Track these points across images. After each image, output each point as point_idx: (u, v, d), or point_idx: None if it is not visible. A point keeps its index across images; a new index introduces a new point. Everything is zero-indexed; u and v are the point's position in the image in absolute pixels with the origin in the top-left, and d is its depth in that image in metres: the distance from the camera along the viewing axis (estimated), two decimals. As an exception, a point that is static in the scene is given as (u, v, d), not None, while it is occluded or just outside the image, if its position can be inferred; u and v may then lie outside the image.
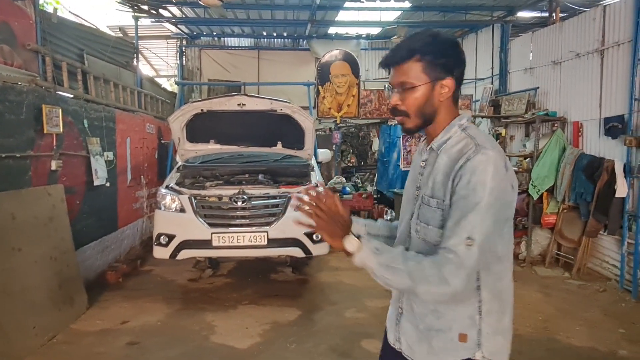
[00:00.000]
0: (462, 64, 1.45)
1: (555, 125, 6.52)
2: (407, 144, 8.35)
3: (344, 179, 9.47)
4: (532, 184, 6.19)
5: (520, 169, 6.89)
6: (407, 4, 8.71)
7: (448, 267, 1.27)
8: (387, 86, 1.50)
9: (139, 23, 9.37)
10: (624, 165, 5.17)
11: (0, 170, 3.85)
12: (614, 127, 5.36)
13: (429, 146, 1.47)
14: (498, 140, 7.83)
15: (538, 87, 7.23)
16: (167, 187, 5.13)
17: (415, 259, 1.32)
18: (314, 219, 1.40)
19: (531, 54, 7.66)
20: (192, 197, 4.88)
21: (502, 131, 7.88)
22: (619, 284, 5.24)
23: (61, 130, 4.63)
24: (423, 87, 1.40)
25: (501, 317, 1.43)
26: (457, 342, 1.40)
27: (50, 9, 7.03)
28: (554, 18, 7.60)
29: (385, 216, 8.10)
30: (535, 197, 6.19)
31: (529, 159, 6.65)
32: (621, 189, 5.14)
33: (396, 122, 1.52)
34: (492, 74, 9.14)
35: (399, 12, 9.42)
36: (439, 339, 1.42)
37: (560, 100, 6.66)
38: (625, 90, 5.23)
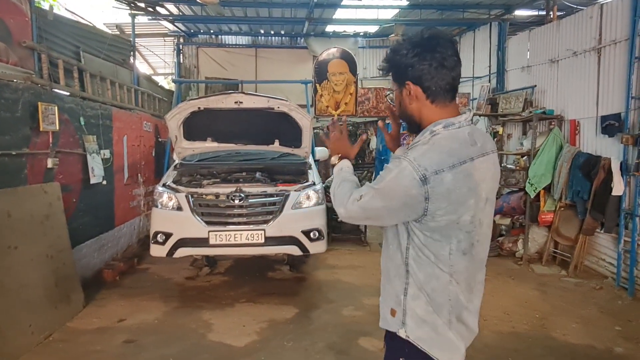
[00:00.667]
0: (413, 66, 1.50)
1: (553, 123, 6.53)
2: (404, 142, 8.34)
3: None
4: (529, 182, 6.20)
5: (518, 167, 6.90)
6: (404, 2, 8.71)
7: (351, 200, 1.59)
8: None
9: (136, 21, 9.33)
10: (621, 163, 5.18)
11: (-5, 168, 3.83)
12: (610, 125, 5.37)
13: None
14: (495, 139, 7.83)
15: (535, 86, 7.24)
16: (164, 185, 5.12)
17: (345, 186, 1.67)
18: (331, 135, 1.88)
19: (528, 52, 7.66)
20: (189, 195, 4.87)
21: (500, 129, 7.89)
22: (616, 281, 5.26)
23: (57, 128, 4.61)
24: (396, 92, 1.61)
25: (431, 313, 1.52)
26: (389, 314, 1.60)
27: (46, 6, 6.99)
28: (551, 16, 7.61)
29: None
30: (532, 195, 6.20)
31: (526, 157, 6.66)
32: (618, 187, 5.15)
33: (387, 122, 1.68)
34: (490, 72, 9.15)
35: (397, 10, 9.42)
36: (383, 309, 1.65)
37: (558, 99, 6.66)
38: (622, 89, 5.24)
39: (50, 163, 4.55)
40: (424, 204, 1.42)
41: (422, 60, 1.49)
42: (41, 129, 4.37)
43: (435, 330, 1.52)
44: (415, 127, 1.58)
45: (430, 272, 1.50)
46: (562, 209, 6.01)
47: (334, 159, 1.86)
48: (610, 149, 5.47)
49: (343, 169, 1.78)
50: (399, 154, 1.62)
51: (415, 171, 1.41)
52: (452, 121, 1.51)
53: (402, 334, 1.55)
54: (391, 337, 1.60)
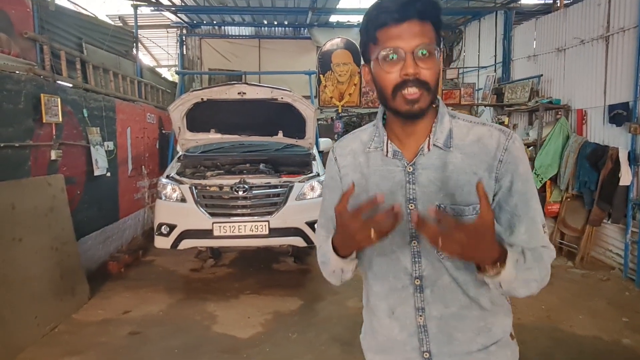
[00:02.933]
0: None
1: (559, 113, 6.46)
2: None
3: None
4: (535, 173, 6.15)
5: (524, 158, 6.84)
6: (409, -9, 8.59)
7: (549, 261, 1.18)
8: (390, 53, 1.08)
9: (138, 12, 9.28)
10: (629, 153, 5.12)
11: (-1, 160, 3.82)
12: (618, 114, 5.30)
13: (430, 145, 1.17)
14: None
15: (542, 75, 7.15)
16: (168, 177, 5.10)
17: (536, 257, 1.14)
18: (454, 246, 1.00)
19: (535, 41, 7.57)
20: (193, 187, 4.85)
21: (505, 120, 7.82)
22: (623, 272, 5.22)
23: (60, 119, 4.59)
24: (438, 58, 1.10)
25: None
26: (510, 342, 1.28)
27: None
28: (558, 4, 7.49)
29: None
30: (539, 185, 6.14)
31: (532, 147, 6.60)
32: (625, 177, 5.09)
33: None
34: (495, 61, 9.04)
35: (401, -1, 9.30)
36: (499, 351, 1.25)
37: (564, 88, 6.58)
38: (631, 77, 5.16)
39: (53, 155, 4.53)
40: None
41: None
42: (44, 121, 4.35)
43: None
44: (429, 107, 1.15)
45: None
46: (569, 199, 5.96)
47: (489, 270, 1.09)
48: (617, 139, 5.40)
49: (519, 261, 1.09)
50: (379, 163, 1.22)
51: None
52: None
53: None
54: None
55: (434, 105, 1.19)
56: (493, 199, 1.16)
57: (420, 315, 1.22)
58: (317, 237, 1.39)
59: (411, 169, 1.18)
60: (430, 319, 1.21)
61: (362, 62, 1.19)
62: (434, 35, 1.09)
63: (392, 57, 1.08)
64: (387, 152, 1.21)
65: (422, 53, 1.07)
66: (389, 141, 1.21)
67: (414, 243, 1.20)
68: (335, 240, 1.18)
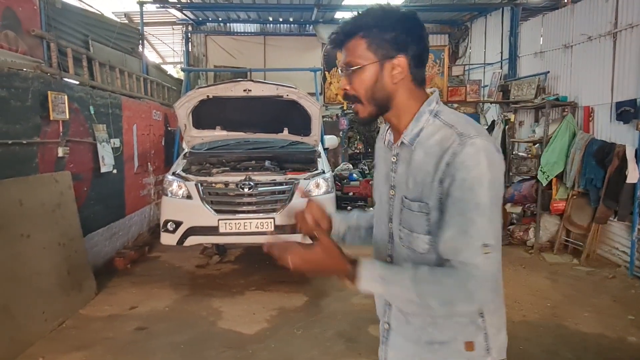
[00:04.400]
0: (418, 41, 1.22)
1: (566, 110, 6.42)
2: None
3: (351, 165, 9.44)
4: (541, 170, 6.12)
5: (530, 155, 6.82)
6: (415, -13, 8.57)
7: (472, 282, 1.11)
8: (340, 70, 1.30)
9: (144, 9, 9.30)
10: (636, 151, 5.08)
11: (7, 157, 3.85)
12: (625, 111, 5.26)
13: (400, 140, 1.27)
14: (507, 126, 7.74)
15: (548, 72, 7.11)
16: (173, 173, 5.13)
17: (431, 278, 1.14)
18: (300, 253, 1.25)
19: (541, 37, 7.52)
20: (199, 184, 4.87)
21: (511, 117, 7.79)
22: (629, 270, 5.20)
23: (67, 116, 4.62)
24: (370, 67, 1.20)
25: (501, 310, 1.32)
26: (463, 352, 1.26)
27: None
28: (565, 1, 7.44)
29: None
30: (544, 183, 6.12)
31: (538, 144, 6.57)
32: (632, 174, 5.07)
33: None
34: (502, 58, 9.00)
35: (407, -4, 9.28)
36: (443, 352, 1.28)
37: (571, 85, 6.54)
38: (638, 74, 5.12)
39: (60, 152, 4.57)
40: (503, 181, 1.21)
41: (420, 34, 1.24)
42: (51, 118, 4.38)
43: (505, 328, 1.34)
44: (378, 115, 1.28)
45: (497, 265, 1.17)
46: (575, 197, 5.93)
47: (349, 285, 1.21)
48: (625, 136, 5.36)
49: (383, 281, 1.17)
50: (384, 149, 1.36)
51: (496, 149, 1.17)
52: (436, 95, 1.30)
53: None
54: None
55: (428, 93, 1.29)
56: (440, 200, 1.17)
57: None
58: None
59: (394, 158, 1.31)
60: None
61: None
62: (366, 46, 1.21)
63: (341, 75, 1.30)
64: (385, 141, 1.37)
65: (347, 70, 1.25)
66: (389, 131, 1.36)
67: (390, 225, 1.33)
68: None
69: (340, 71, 1.29)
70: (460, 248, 1.13)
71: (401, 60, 1.21)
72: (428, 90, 1.32)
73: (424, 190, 1.19)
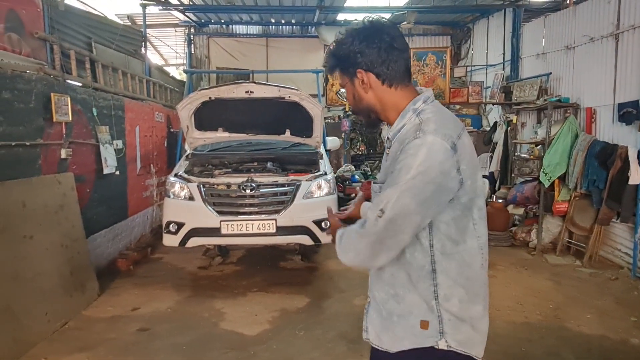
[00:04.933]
0: (371, 51, 1.41)
1: (568, 111, 6.42)
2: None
3: (353, 167, 9.44)
4: (543, 171, 6.11)
5: (532, 156, 6.81)
6: (416, -11, 8.58)
7: (360, 233, 1.36)
8: None
9: (147, 11, 9.33)
10: (638, 152, 5.07)
11: (10, 159, 3.87)
12: (628, 112, 5.25)
13: (386, 136, 1.49)
14: (509, 128, 7.73)
15: (550, 73, 7.11)
16: (176, 175, 5.14)
17: (349, 232, 1.43)
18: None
19: (544, 39, 7.52)
20: (201, 185, 4.88)
21: (514, 118, 7.78)
22: (631, 272, 5.18)
23: (70, 118, 4.64)
24: (347, 87, 1.51)
25: (468, 305, 1.39)
26: (418, 328, 1.39)
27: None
28: (568, 2, 7.45)
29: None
30: (547, 184, 6.11)
31: (540, 146, 6.56)
32: (635, 176, 5.05)
33: None
34: (504, 59, 9.00)
35: (409, -3, 9.29)
36: (401, 326, 1.42)
37: (573, 86, 6.54)
38: (641, 75, 5.12)
39: (63, 153, 4.59)
40: (458, 175, 1.31)
41: (371, 44, 1.41)
42: (54, 120, 4.40)
43: (472, 325, 1.41)
44: (376, 119, 1.52)
45: (462, 260, 1.38)
46: (577, 198, 5.92)
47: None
48: (627, 137, 5.35)
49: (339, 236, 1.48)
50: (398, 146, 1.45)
51: (446, 140, 1.30)
52: (427, 95, 1.45)
53: (442, 345, 1.38)
54: (419, 356, 1.41)
55: (417, 91, 1.48)
56: None
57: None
58: None
59: (387, 152, 1.50)
60: (370, 272, 1.56)
61: None
62: (340, 76, 1.52)
63: None
64: (385, 138, 1.56)
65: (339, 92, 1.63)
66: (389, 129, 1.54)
67: None
68: None
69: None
70: (369, 207, 1.40)
71: (361, 73, 1.44)
72: (421, 89, 1.46)
73: (388, 175, 1.37)
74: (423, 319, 1.39)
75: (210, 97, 5.34)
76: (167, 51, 13.01)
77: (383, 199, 1.31)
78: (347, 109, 9.37)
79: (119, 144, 5.85)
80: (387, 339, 1.46)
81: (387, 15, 10.77)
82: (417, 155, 1.28)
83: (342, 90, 1.56)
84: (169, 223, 4.86)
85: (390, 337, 1.44)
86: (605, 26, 5.80)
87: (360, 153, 11.90)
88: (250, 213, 4.85)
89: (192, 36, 11.76)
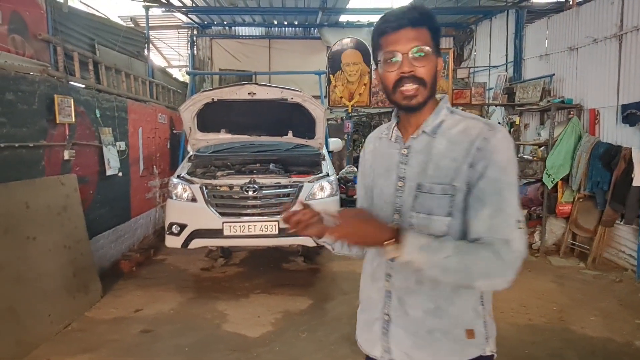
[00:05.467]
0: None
1: (571, 112, 6.40)
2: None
3: (355, 168, 9.42)
4: (546, 173, 6.09)
5: (535, 158, 6.79)
6: (419, -10, 8.58)
7: (511, 256, 1.18)
8: (390, 56, 1.27)
9: (149, 13, 9.36)
10: (642, 153, 5.06)
11: (13, 160, 3.88)
12: (632, 114, 5.24)
13: (420, 130, 1.33)
14: (512, 129, 7.72)
15: (553, 74, 7.09)
16: (178, 176, 5.14)
17: (473, 250, 1.20)
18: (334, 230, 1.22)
19: (547, 40, 7.51)
20: (204, 187, 4.89)
21: (517, 119, 7.77)
22: (636, 274, 5.16)
23: (73, 120, 4.65)
24: (433, 57, 1.28)
25: (491, 302, 1.38)
26: (464, 340, 1.30)
27: (61, -1, 7.04)
28: (571, 3, 7.43)
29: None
30: (550, 186, 6.09)
31: (543, 147, 6.55)
32: (639, 177, 5.03)
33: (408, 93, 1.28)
34: (507, 61, 8.99)
35: (411, -1, 9.29)
36: (445, 341, 1.30)
37: (577, 87, 6.52)
38: (645, 76, 5.10)
39: (66, 155, 4.60)
40: None
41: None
42: (57, 121, 4.41)
43: (494, 322, 1.39)
44: (426, 101, 1.31)
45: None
46: (581, 200, 5.90)
47: (390, 251, 1.22)
48: (631, 139, 5.34)
49: (430, 246, 1.20)
50: (385, 145, 1.42)
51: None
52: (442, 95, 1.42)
53: (488, 351, 1.32)
54: None
55: (437, 99, 1.37)
56: (469, 183, 1.25)
57: (387, 281, 1.37)
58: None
59: (405, 151, 1.36)
60: (393, 287, 1.36)
61: (374, 65, 1.38)
62: (430, 38, 1.28)
63: (391, 60, 1.28)
64: (392, 136, 1.42)
65: (416, 53, 1.26)
66: (395, 128, 1.41)
67: (396, 216, 1.35)
68: None
69: (400, 55, 1.26)
70: (498, 225, 1.20)
71: (440, 61, 1.32)
72: (437, 96, 1.40)
73: (450, 173, 1.26)
74: (468, 328, 1.30)
75: (212, 99, 5.34)
76: (170, 53, 13.05)
77: (512, 208, 1.21)
78: (349, 111, 9.36)
79: (122, 145, 5.86)
80: (423, 356, 1.33)
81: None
82: (510, 149, 1.25)
83: (417, 50, 1.25)
84: (171, 224, 4.86)
85: (430, 355, 1.32)
86: (609, 27, 5.78)
87: (362, 154, 11.88)
88: (253, 214, 4.85)
89: (194, 38, 11.79)
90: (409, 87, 1.27)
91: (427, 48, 1.26)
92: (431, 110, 1.34)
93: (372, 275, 1.44)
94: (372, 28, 1.34)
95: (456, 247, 1.20)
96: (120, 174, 5.73)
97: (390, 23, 1.27)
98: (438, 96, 1.38)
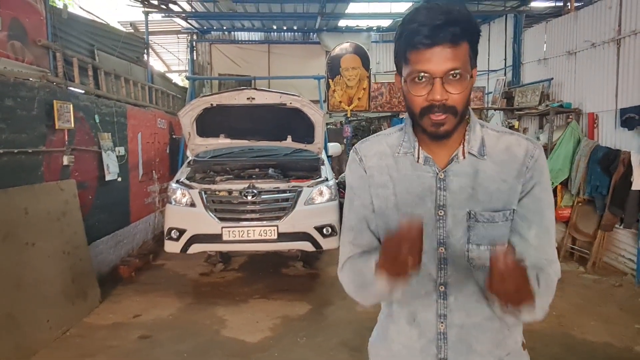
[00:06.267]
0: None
1: (570, 116, 6.41)
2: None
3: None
4: (546, 177, 6.09)
5: (534, 162, 6.79)
6: (418, -5, 8.62)
7: (555, 279, 1.16)
8: (417, 77, 1.07)
9: (149, 18, 9.39)
10: (641, 157, 5.06)
11: (12, 166, 3.88)
12: (630, 118, 5.24)
13: (465, 153, 1.17)
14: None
15: (552, 78, 7.11)
16: (177, 181, 5.15)
17: (548, 282, 1.14)
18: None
19: (545, 44, 7.53)
20: (203, 192, 4.89)
21: (515, 123, 7.77)
22: (636, 278, 5.15)
23: (72, 125, 4.66)
24: (469, 78, 1.09)
25: None
26: (523, 353, 1.29)
27: (60, 5, 7.07)
28: (569, 7, 7.46)
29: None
30: (549, 190, 6.08)
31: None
32: (638, 181, 5.03)
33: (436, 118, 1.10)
34: (505, 65, 9.02)
35: (410, 3, 9.33)
36: None
37: (575, 91, 6.53)
38: (643, 81, 5.11)
39: (66, 160, 4.60)
40: None
41: None
42: (57, 127, 4.42)
43: None
44: (441, 137, 1.15)
45: None
46: (580, 204, 5.90)
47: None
48: (630, 143, 5.34)
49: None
50: (409, 169, 1.21)
51: None
52: None
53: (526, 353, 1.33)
54: None
55: (466, 118, 1.19)
56: (518, 202, 1.18)
57: (442, 322, 1.22)
58: (342, 244, 1.32)
59: (442, 175, 1.18)
60: (451, 327, 1.21)
61: (396, 70, 1.19)
62: (468, 56, 1.09)
63: (421, 79, 1.07)
64: (419, 158, 1.20)
65: (452, 76, 1.06)
66: (420, 148, 1.20)
67: (441, 249, 1.19)
68: (383, 262, 1.07)
69: (432, 78, 1.06)
70: (544, 246, 1.16)
71: (474, 72, 1.14)
72: None
73: (504, 197, 1.16)
74: (522, 340, 1.30)
75: (212, 104, 5.35)
76: (170, 58, 13.09)
77: (553, 227, 1.19)
78: (348, 115, 9.38)
79: (121, 150, 5.87)
80: None
81: (388, 22, 10.84)
82: (546, 162, 1.20)
83: (453, 73, 1.05)
84: (170, 229, 4.86)
85: None
86: (607, 31, 5.80)
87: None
88: (252, 219, 4.84)
89: (194, 43, 11.83)
90: (438, 116, 1.09)
91: (465, 71, 1.07)
92: (464, 127, 1.18)
93: (412, 320, 1.25)
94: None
95: (545, 284, 1.13)
96: (119, 179, 5.73)
97: (424, 38, 1.04)
98: None
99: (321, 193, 5.02)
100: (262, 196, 4.88)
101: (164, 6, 9.24)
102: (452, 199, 1.17)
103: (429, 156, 1.19)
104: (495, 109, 8.73)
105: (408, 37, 1.07)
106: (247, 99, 5.27)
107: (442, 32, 1.03)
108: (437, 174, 1.18)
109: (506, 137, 1.19)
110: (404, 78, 1.12)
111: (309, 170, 5.66)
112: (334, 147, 6.97)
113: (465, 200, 1.16)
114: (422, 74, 1.06)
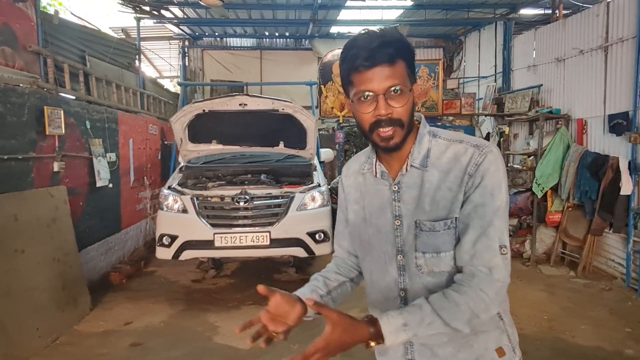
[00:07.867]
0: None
1: (559, 122, 6.48)
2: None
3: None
4: (536, 182, 6.15)
5: (524, 167, 6.86)
6: (409, 2, 8.68)
7: (494, 286, 1.15)
8: (362, 96, 1.17)
9: (141, 24, 9.37)
10: (629, 163, 5.12)
11: (2, 172, 3.85)
12: (618, 124, 5.31)
13: (407, 165, 1.24)
14: (502, 139, 7.80)
15: (541, 85, 7.19)
16: (169, 187, 5.13)
17: (448, 303, 1.13)
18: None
19: (534, 51, 7.62)
20: (195, 198, 4.87)
21: (506, 129, 7.84)
22: (625, 282, 5.20)
23: (63, 131, 4.64)
24: (409, 92, 1.19)
25: (508, 307, 1.34)
26: (497, 359, 1.28)
27: (51, 11, 7.04)
28: (557, 15, 7.56)
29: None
30: (540, 195, 6.14)
31: (532, 157, 6.61)
32: (626, 186, 5.10)
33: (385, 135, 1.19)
34: (495, 71, 9.10)
35: (401, 11, 9.39)
36: None
37: (564, 98, 6.61)
38: (630, 87, 5.18)
39: (56, 167, 4.57)
40: None
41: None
42: (47, 133, 4.39)
43: (515, 327, 1.37)
44: (404, 141, 1.23)
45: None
46: (570, 209, 5.96)
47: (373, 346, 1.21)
48: (618, 148, 5.41)
49: (405, 327, 1.12)
50: (371, 182, 1.32)
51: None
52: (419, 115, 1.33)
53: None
54: None
55: (416, 121, 1.27)
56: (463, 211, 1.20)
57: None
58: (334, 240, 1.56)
59: (396, 187, 1.26)
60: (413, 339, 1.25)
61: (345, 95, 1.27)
62: (406, 72, 1.18)
63: (366, 98, 1.17)
64: (376, 173, 1.31)
65: (394, 91, 1.16)
66: (378, 162, 1.31)
67: (400, 257, 1.28)
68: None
69: (375, 96, 1.16)
70: (481, 251, 1.16)
71: (416, 87, 1.23)
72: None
73: (448, 205, 1.20)
74: (497, 348, 1.27)
75: (204, 110, 5.35)
76: (162, 64, 13.04)
77: (496, 233, 1.15)
78: (340, 121, 9.40)
79: (112, 156, 5.84)
80: None
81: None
82: (499, 170, 1.19)
83: (394, 90, 1.15)
84: (162, 236, 4.84)
85: None
86: (595, 39, 5.88)
87: (354, 164, 11.89)
88: (244, 225, 4.84)
89: (186, 49, 11.81)
90: (386, 130, 1.18)
91: (405, 84, 1.17)
92: (412, 139, 1.25)
93: None
94: (340, 57, 1.21)
95: (433, 309, 1.13)
96: (110, 185, 5.70)
97: (363, 61, 1.14)
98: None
99: (313, 199, 5.02)
100: (255, 202, 4.88)
101: (155, 12, 9.22)
102: (405, 209, 1.25)
103: (385, 170, 1.29)
104: (486, 115, 8.80)
105: (350, 62, 1.17)
106: (239, 105, 5.28)
107: (379, 54, 1.13)
108: (391, 186, 1.27)
109: (454, 146, 1.23)
110: (351, 99, 1.22)
111: (302, 176, 5.67)
112: (326, 153, 6.98)
113: (414, 210, 1.23)
114: (367, 92, 1.16)
